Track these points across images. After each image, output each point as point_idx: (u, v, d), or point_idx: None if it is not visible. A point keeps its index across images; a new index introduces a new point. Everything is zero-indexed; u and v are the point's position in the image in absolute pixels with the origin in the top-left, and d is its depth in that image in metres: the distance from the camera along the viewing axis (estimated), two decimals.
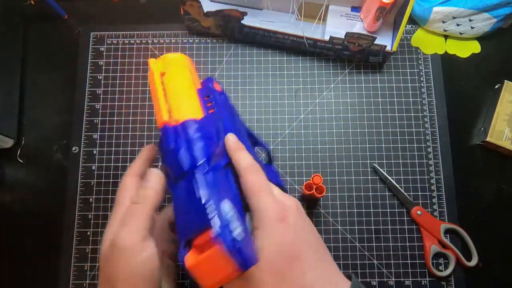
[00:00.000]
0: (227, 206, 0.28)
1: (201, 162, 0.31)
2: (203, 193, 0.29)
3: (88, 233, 0.53)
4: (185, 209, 0.30)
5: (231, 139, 0.34)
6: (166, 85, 0.35)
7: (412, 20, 0.60)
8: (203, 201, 0.28)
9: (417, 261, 0.51)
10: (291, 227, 0.30)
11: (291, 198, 0.33)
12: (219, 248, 0.25)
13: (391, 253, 0.51)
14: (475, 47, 0.59)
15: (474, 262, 0.50)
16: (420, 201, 0.53)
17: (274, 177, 0.36)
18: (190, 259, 0.27)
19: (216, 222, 0.27)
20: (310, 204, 0.53)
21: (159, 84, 0.35)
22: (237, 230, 0.27)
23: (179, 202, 0.31)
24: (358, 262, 0.51)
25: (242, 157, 0.33)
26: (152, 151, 0.38)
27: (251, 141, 0.40)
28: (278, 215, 0.30)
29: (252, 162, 0.33)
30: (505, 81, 0.55)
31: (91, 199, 0.54)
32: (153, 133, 0.56)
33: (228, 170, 0.33)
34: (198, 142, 0.32)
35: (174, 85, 0.36)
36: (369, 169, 0.54)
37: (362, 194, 0.53)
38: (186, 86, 0.36)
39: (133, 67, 0.59)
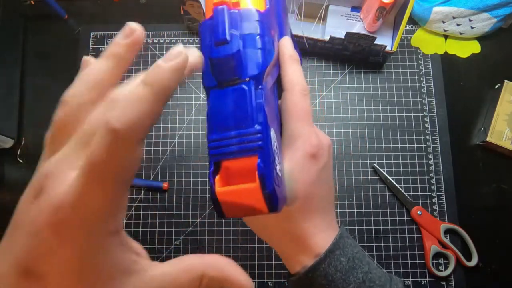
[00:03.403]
0: (273, 137, 0.25)
1: (258, 72, 0.25)
2: (256, 116, 0.24)
3: None
4: (224, 126, 0.25)
5: (288, 46, 0.29)
6: None
7: (412, 20, 0.60)
8: (256, 127, 0.24)
9: (417, 261, 0.51)
10: (317, 168, 0.28)
11: (325, 135, 0.30)
12: (257, 187, 0.23)
13: (391, 253, 0.51)
14: (475, 47, 0.59)
15: (474, 262, 0.50)
16: (420, 201, 0.53)
17: None
18: (219, 184, 0.24)
19: (262, 157, 0.23)
20: None
21: None
22: (278, 170, 0.24)
23: (218, 115, 0.25)
24: None
25: (296, 74, 0.28)
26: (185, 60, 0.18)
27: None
28: (312, 150, 0.27)
29: (304, 82, 0.28)
30: (505, 81, 0.55)
31: None
32: (153, 133, 0.56)
33: (275, 85, 0.28)
34: (260, 43, 0.26)
35: None
36: (369, 169, 0.54)
37: (362, 194, 0.53)
38: None
39: (133, 67, 0.59)
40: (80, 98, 0.19)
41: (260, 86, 0.25)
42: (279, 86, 0.30)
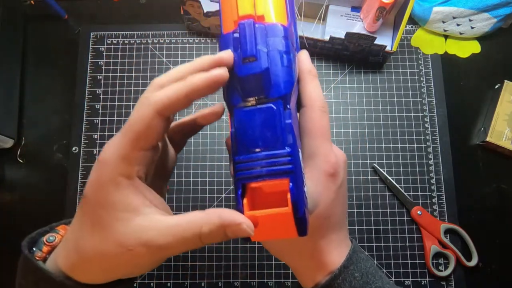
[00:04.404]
0: (301, 158, 0.24)
1: (286, 92, 0.24)
2: (286, 137, 0.24)
3: None
4: (252, 147, 0.24)
5: (306, 61, 0.28)
6: None
7: (412, 20, 0.60)
8: (286, 149, 0.23)
9: (417, 261, 0.51)
10: (337, 185, 0.28)
11: (341, 151, 0.30)
12: (289, 212, 0.22)
13: (391, 253, 0.51)
14: (475, 47, 0.59)
15: (474, 262, 0.50)
16: (420, 201, 0.53)
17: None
18: (247, 208, 0.23)
19: (294, 181, 0.23)
20: None
21: None
22: (306, 192, 0.24)
23: (245, 135, 0.24)
24: None
25: (316, 90, 0.28)
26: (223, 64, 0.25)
27: None
28: (331, 169, 0.27)
29: (323, 99, 0.28)
30: (505, 81, 0.55)
31: None
32: None
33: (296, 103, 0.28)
34: (286, 61, 0.25)
35: None
36: (369, 169, 0.54)
37: (362, 194, 0.53)
38: None
39: (133, 67, 0.59)
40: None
41: (288, 106, 0.24)
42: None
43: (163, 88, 0.23)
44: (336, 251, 0.29)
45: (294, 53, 0.27)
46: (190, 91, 0.23)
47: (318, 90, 0.28)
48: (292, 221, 0.23)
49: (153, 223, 0.22)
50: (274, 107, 0.24)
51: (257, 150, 0.24)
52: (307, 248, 0.28)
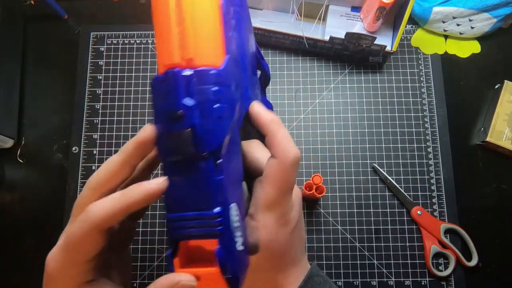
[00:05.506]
0: (234, 213, 0.23)
1: (217, 146, 0.22)
2: (215, 197, 0.23)
3: None
4: (182, 206, 0.23)
5: (262, 112, 0.26)
6: (184, 5, 0.23)
7: (412, 20, 0.60)
8: (214, 211, 0.23)
9: (417, 261, 0.51)
10: (291, 229, 0.27)
11: (296, 189, 0.29)
12: (217, 272, 0.22)
13: (391, 253, 0.51)
14: (475, 47, 0.59)
15: (474, 262, 0.50)
16: (420, 201, 0.53)
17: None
18: (178, 264, 0.23)
19: (222, 242, 0.23)
20: (310, 204, 0.53)
21: (172, 3, 0.23)
22: (241, 244, 0.24)
23: (175, 193, 0.24)
24: (358, 262, 0.51)
25: (286, 140, 0.25)
26: (148, 146, 0.24)
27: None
28: (287, 218, 0.27)
29: (295, 149, 0.25)
30: (505, 81, 0.55)
31: None
32: None
33: (239, 141, 0.26)
34: (218, 111, 0.22)
35: (195, 6, 0.23)
36: (369, 169, 0.54)
37: (362, 194, 0.53)
38: (210, 5, 0.23)
39: (133, 67, 0.59)
40: (97, 190, 0.25)
41: (219, 161, 0.22)
42: (246, 125, 0.27)
43: (100, 198, 0.23)
44: (295, 283, 0.29)
45: (234, 94, 0.24)
46: (129, 205, 0.23)
47: (288, 140, 0.25)
48: (222, 280, 0.23)
49: None
50: (203, 164, 0.22)
51: (188, 209, 0.23)
52: (266, 284, 0.29)
